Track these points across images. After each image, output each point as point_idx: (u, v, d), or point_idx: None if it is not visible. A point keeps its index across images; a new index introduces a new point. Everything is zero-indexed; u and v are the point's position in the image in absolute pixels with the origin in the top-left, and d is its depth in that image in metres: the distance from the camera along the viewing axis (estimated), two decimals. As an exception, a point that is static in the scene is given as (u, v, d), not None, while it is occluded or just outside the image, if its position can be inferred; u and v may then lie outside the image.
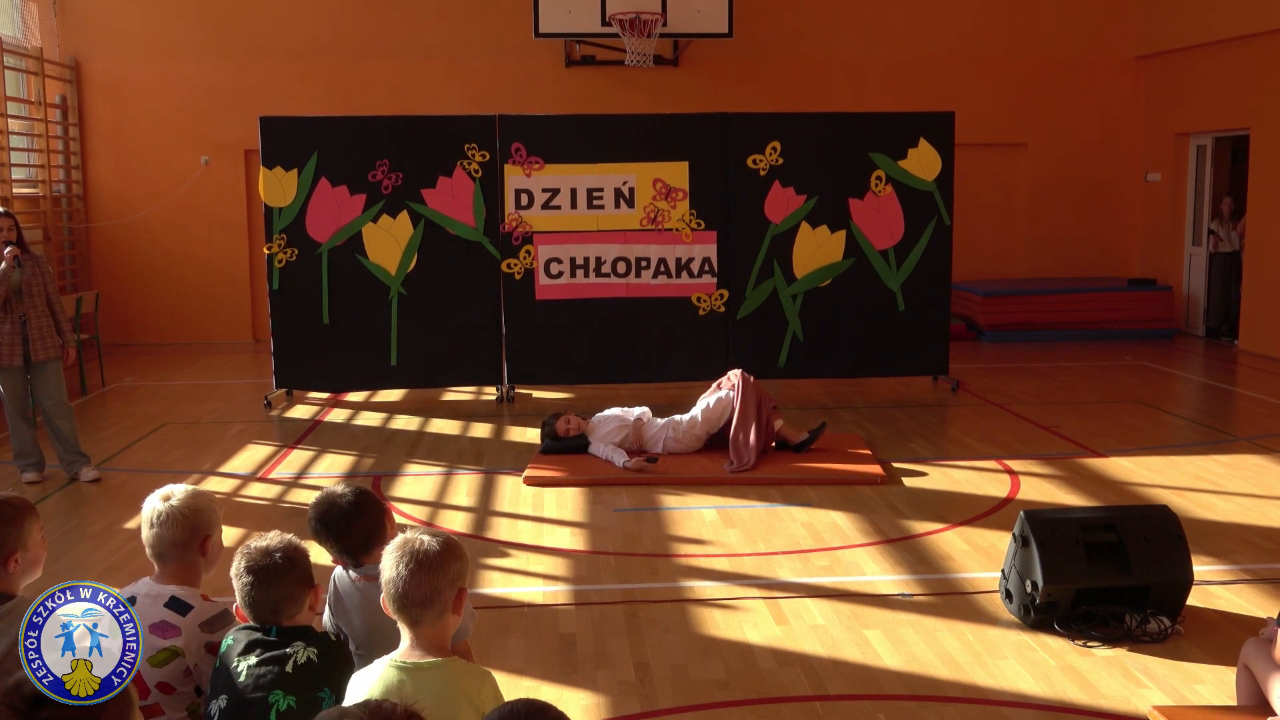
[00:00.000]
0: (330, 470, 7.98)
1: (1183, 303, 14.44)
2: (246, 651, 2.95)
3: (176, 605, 3.18)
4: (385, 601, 2.80)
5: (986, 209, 14.76)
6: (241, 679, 2.89)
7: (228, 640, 3.02)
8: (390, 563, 2.78)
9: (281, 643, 2.96)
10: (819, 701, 4.35)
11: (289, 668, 2.91)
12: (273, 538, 3.09)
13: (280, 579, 3.02)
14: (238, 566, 3.04)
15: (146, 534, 3.28)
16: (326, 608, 3.50)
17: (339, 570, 3.52)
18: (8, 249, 7.29)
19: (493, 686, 2.80)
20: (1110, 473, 7.72)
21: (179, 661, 3.13)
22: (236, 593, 3.04)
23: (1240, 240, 13.42)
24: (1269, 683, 3.57)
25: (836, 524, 6.60)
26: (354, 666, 3.12)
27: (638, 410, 8.24)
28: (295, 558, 3.08)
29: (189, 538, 3.26)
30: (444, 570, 2.77)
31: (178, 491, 3.31)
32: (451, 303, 9.99)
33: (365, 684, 2.74)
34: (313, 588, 3.12)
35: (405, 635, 2.80)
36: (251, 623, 3.03)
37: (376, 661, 2.81)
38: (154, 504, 3.28)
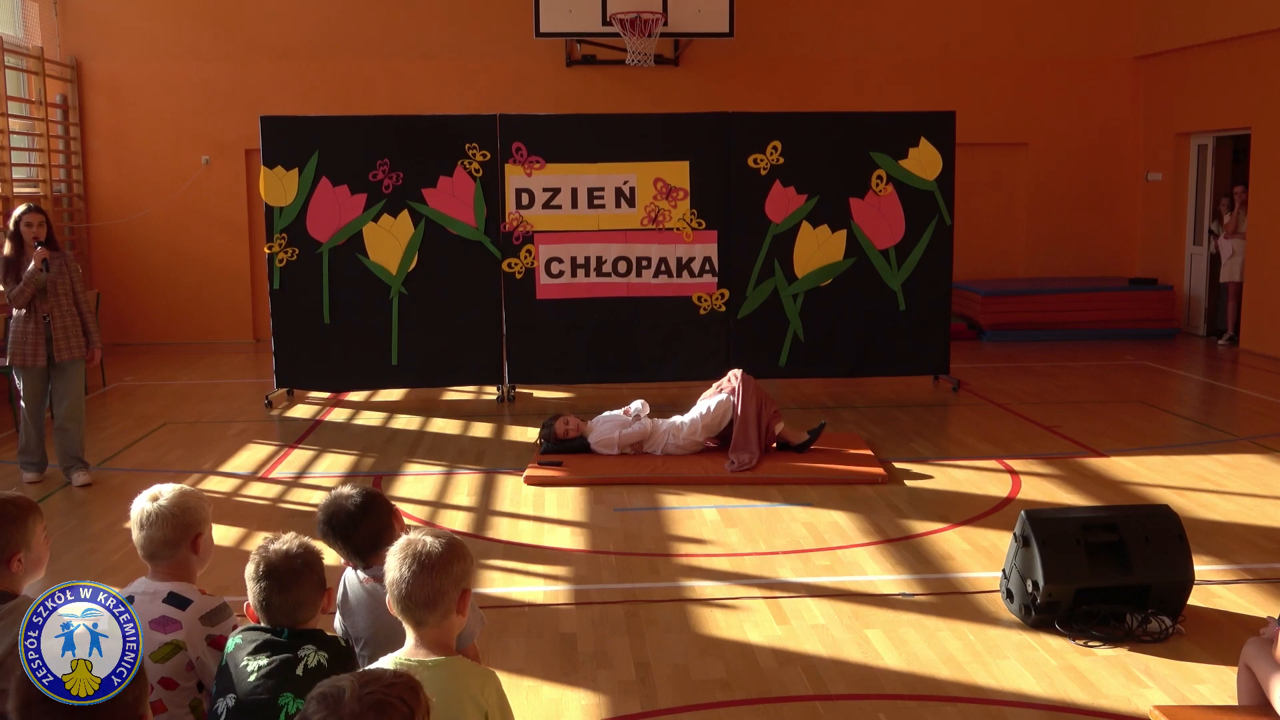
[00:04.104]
0: (331, 470, 7.98)
1: (1183, 302, 14.44)
2: (257, 652, 2.92)
3: (175, 600, 3.17)
4: (389, 602, 2.80)
5: (987, 208, 14.76)
6: (251, 679, 2.87)
7: (236, 639, 2.99)
8: (394, 564, 2.78)
9: (293, 645, 2.94)
10: (820, 701, 4.35)
11: (299, 671, 2.89)
12: (290, 540, 3.05)
13: (299, 583, 2.99)
14: (255, 569, 2.99)
15: (137, 536, 3.26)
16: (337, 609, 3.50)
17: (348, 571, 3.52)
18: (37, 249, 7.26)
19: (496, 686, 2.80)
20: (1111, 472, 7.71)
21: (181, 656, 3.13)
22: (251, 595, 3.00)
23: (1226, 230, 13.37)
24: (1270, 683, 3.57)
25: (837, 524, 6.60)
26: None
27: (635, 406, 8.24)
28: (313, 562, 3.05)
29: (180, 536, 3.24)
30: (447, 571, 2.76)
31: (165, 491, 3.28)
32: (452, 302, 9.99)
33: None
34: (326, 590, 3.11)
35: (410, 636, 2.80)
36: (263, 624, 3.01)
37: (382, 659, 2.81)
38: (142, 505, 3.25)
